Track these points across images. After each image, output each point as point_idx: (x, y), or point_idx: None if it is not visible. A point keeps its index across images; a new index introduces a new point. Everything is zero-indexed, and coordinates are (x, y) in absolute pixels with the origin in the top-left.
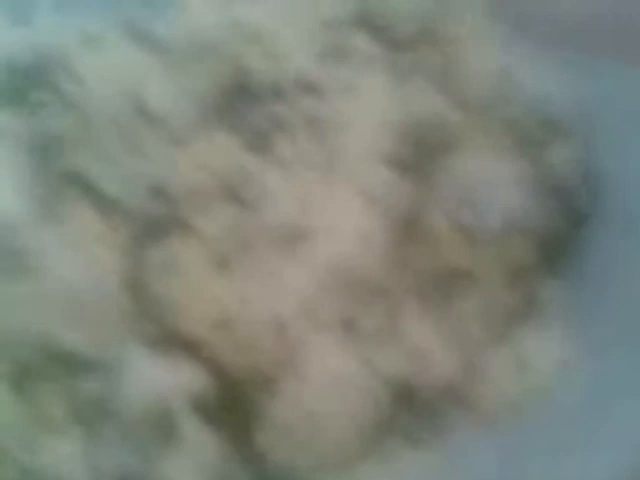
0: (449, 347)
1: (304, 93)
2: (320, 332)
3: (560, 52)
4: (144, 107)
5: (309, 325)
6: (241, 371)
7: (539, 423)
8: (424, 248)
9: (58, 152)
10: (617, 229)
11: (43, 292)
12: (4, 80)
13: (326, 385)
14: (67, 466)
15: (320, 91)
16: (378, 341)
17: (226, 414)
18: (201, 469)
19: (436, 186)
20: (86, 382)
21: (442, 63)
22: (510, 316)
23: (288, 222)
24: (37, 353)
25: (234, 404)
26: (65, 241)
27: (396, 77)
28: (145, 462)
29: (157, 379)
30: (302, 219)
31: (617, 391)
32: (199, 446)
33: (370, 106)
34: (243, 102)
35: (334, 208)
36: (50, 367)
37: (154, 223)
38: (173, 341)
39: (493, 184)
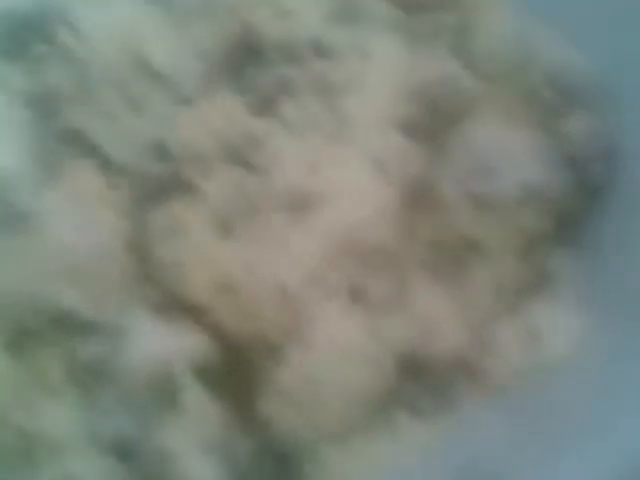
0: (458, 318)
1: (315, 55)
2: (327, 300)
3: (581, 20)
4: (147, 64)
5: (315, 292)
6: (245, 338)
7: (548, 397)
8: (435, 217)
9: (57, 108)
10: (632, 202)
11: (41, 252)
12: (3, 31)
13: (332, 354)
14: (64, 430)
15: (331, 53)
16: (386, 310)
17: (229, 381)
18: (202, 437)
19: (449, 153)
20: (85, 345)
21: (459, 28)
22: (521, 288)
23: (295, 188)
24: (35, 315)
25: (237, 371)
26: (64, 200)
27: (411, 41)
28: (144, 428)
29: (158, 344)
30: (310, 185)
31: (630, 365)
32: (200, 413)
33: (383, 70)
34: (250, 62)
35: (343, 174)
36: (49, 329)
37: (156, 184)
38: (175, 306)
39: (508, 153)
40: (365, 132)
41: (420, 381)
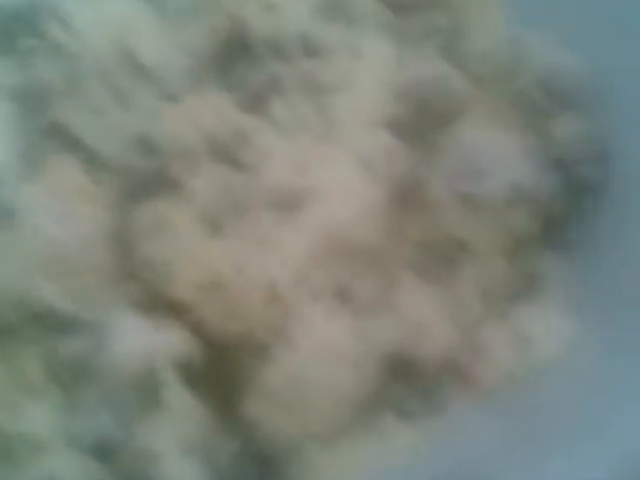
0: (446, 320)
1: (304, 53)
2: (313, 300)
3: (572, 21)
4: (136, 59)
5: (302, 292)
6: (230, 337)
7: (537, 399)
8: (424, 217)
9: (44, 102)
10: (622, 204)
11: (23, 248)
12: None
13: (318, 354)
14: (45, 430)
15: (321, 51)
16: (373, 312)
17: (213, 381)
18: (184, 437)
19: (439, 154)
20: (67, 343)
21: (450, 29)
22: (510, 289)
23: (283, 186)
24: (16, 311)
25: (221, 371)
26: (48, 195)
27: (401, 41)
28: (126, 428)
29: (141, 342)
30: (298, 184)
31: (619, 366)
32: (183, 413)
33: (372, 69)
34: (239, 59)
35: (331, 173)
36: (29, 326)
37: (142, 181)
38: (159, 303)
39: (497, 154)
40: (354, 131)
41: (407, 383)
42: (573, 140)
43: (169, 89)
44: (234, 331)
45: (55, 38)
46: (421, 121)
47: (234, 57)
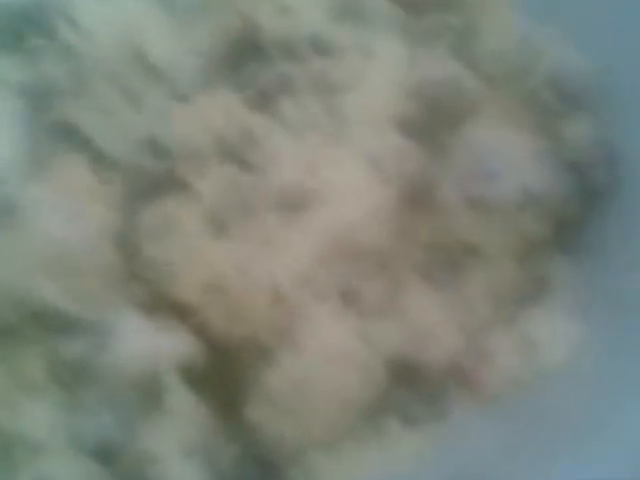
0: (453, 324)
1: (314, 53)
2: (319, 303)
3: (582, 21)
4: (145, 59)
5: (308, 295)
6: (234, 339)
7: (542, 404)
8: (432, 220)
9: (53, 101)
10: (633, 208)
11: (28, 246)
12: (1, 23)
13: (322, 358)
14: (45, 430)
15: (332, 51)
16: (379, 315)
17: (215, 383)
18: (185, 440)
19: (449, 155)
20: (68, 343)
21: (461, 29)
22: (519, 294)
23: (291, 187)
24: (17, 311)
25: (225, 373)
26: (54, 194)
27: (412, 41)
28: (127, 430)
29: (144, 343)
30: (306, 184)
31: (626, 371)
32: (185, 416)
33: (384, 69)
34: (250, 59)
35: (340, 174)
36: (31, 326)
37: (150, 181)
38: (163, 305)
39: (508, 156)
40: (364, 131)
41: (412, 388)
42: (584, 142)
43: (179, 89)
44: (238, 333)
45: (64, 37)
46: (432, 121)
47: (244, 57)
